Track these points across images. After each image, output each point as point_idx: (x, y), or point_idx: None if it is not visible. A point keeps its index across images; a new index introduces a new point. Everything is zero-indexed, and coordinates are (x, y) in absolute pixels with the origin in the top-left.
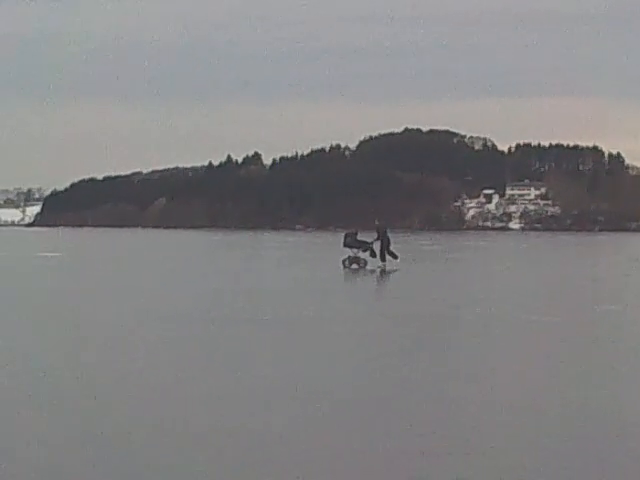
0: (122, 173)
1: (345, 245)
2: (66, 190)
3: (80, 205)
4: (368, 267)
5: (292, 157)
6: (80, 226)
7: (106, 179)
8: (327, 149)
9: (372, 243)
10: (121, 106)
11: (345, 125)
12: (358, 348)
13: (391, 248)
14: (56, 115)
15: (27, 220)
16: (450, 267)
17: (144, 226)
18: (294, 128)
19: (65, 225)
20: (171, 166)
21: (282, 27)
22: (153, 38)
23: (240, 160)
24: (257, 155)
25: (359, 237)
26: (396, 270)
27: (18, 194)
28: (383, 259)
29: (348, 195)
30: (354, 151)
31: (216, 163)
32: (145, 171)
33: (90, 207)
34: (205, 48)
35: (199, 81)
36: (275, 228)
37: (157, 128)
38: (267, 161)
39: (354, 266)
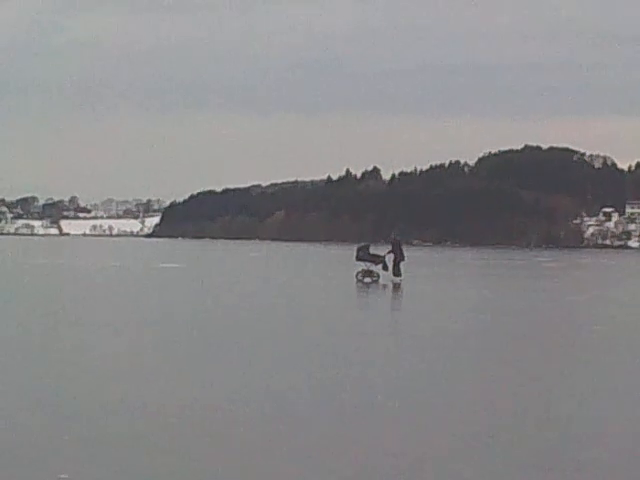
0: (241, 186)
1: (358, 259)
2: (185, 202)
3: (199, 217)
4: (381, 281)
5: (411, 172)
6: (198, 237)
7: (225, 191)
8: (446, 165)
9: (384, 256)
10: (241, 119)
11: (464, 141)
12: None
13: (402, 264)
14: (175, 128)
15: (146, 231)
16: (574, 283)
17: (262, 238)
18: (413, 143)
19: (183, 236)
20: (290, 179)
21: (408, 43)
22: (278, 51)
23: (359, 175)
24: (376, 170)
25: (372, 250)
26: (400, 285)
27: (137, 205)
28: (396, 273)
29: (466, 211)
30: (473, 167)
31: (335, 177)
32: (264, 184)
33: (208, 219)
34: (328, 62)
35: (320, 95)
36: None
37: (277, 141)
38: (386, 176)
39: (367, 279)
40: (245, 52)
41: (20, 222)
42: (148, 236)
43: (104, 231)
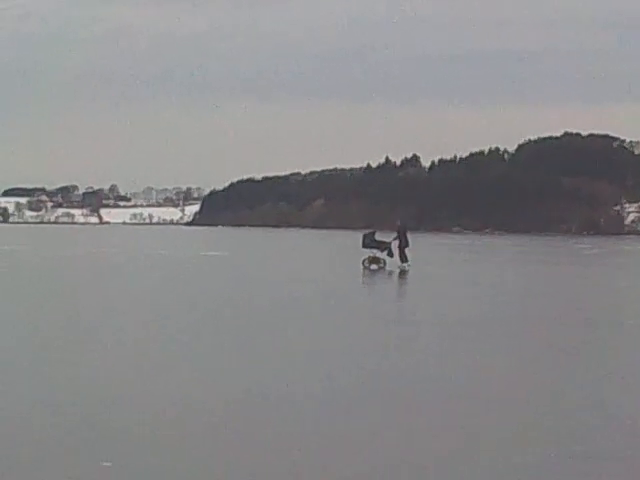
0: (280, 173)
1: (364, 246)
2: (225, 190)
3: (238, 205)
4: (387, 267)
5: (451, 160)
6: (238, 225)
7: (264, 179)
8: (486, 152)
9: (390, 243)
10: (281, 107)
11: (504, 128)
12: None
13: (407, 249)
14: (215, 115)
15: (186, 219)
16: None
17: (302, 226)
18: (453, 130)
19: (223, 224)
20: (329, 167)
21: (449, 28)
22: (316, 38)
23: (398, 162)
24: (416, 157)
25: (377, 237)
26: (408, 270)
27: (177, 193)
28: (403, 259)
29: (506, 198)
30: (513, 154)
31: (374, 165)
32: (303, 172)
33: (248, 207)
34: (369, 48)
35: (360, 82)
36: (432, 230)
37: (316, 128)
38: (426, 163)
39: (374, 266)
40: (282, 39)
41: (60, 211)
42: (188, 224)
43: (144, 219)
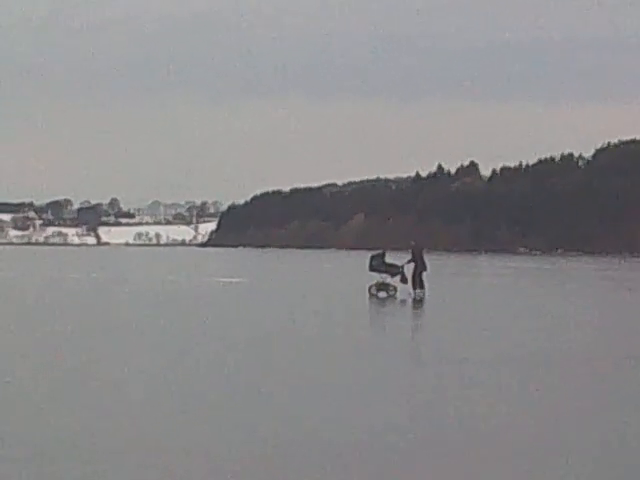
0: (313, 185)
1: (371, 269)
2: (246, 204)
3: (262, 222)
4: (399, 296)
5: (515, 168)
6: (263, 246)
7: (294, 191)
8: (557, 159)
9: (403, 266)
10: (311, 107)
11: (580, 131)
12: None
13: (424, 275)
14: (232, 118)
15: (200, 239)
16: None
17: (338, 247)
18: (518, 134)
19: (245, 245)
20: (371, 177)
21: (498, 16)
22: (354, 28)
23: (453, 171)
24: (473, 165)
25: (387, 259)
26: (424, 299)
27: (190, 209)
28: (416, 286)
29: (581, 213)
30: (589, 161)
31: (424, 174)
32: (340, 182)
33: (274, 224)
34: (414, 40)
35: (405, 79)
36: (493, 251)
37: (355, 132)
38: (485, 172)
39: (382, 294)
40: (316, 31)
41: (51, 230)
42: (203, 245)
43: (150, 239)
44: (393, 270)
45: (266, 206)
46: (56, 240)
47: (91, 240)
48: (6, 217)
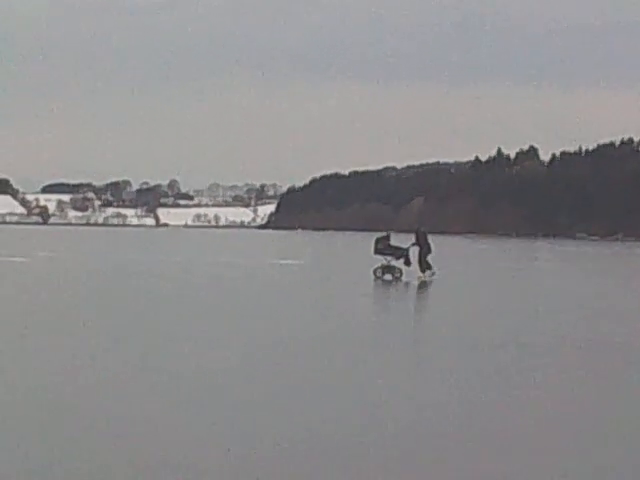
0: (372, 168)
1: (376, 252)
2: (305, 187)
3: (322, 204)
4: (404, 278)
5: (575, 153)
6: (321, 229)
7: (353, 174)
8: (617, 143)
9: (408, 249)
10: (371, 89)
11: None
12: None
13: (429, 257)
14: (292, 100)
15: (259, 221)
16: None
17: (397, 230)
18: (578, 117)
19: (304, 227)
20: (430, 161)
21: (572, 3)
22: (420, 11)
23: (512, 155)
24: (533, 149)
25: (392, 242)
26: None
27: (249, 191)
28: (423, 268)
29: None
30: None
31: (484, 158)
32: (399, 166)
33: (333, 207)
34: (472, 23)
35: (466, 62)
36: (551, 235)
37: (415, 116)
38: (545, 157)
39: (387, 277)
40: (375, 14)
41: (110, 211)
42: (262, 227)
43: (209, 221)
44: (398, 253)
45: (325, 189)
46: (115, 221)
47: (150, 221)
48: (65, 198)
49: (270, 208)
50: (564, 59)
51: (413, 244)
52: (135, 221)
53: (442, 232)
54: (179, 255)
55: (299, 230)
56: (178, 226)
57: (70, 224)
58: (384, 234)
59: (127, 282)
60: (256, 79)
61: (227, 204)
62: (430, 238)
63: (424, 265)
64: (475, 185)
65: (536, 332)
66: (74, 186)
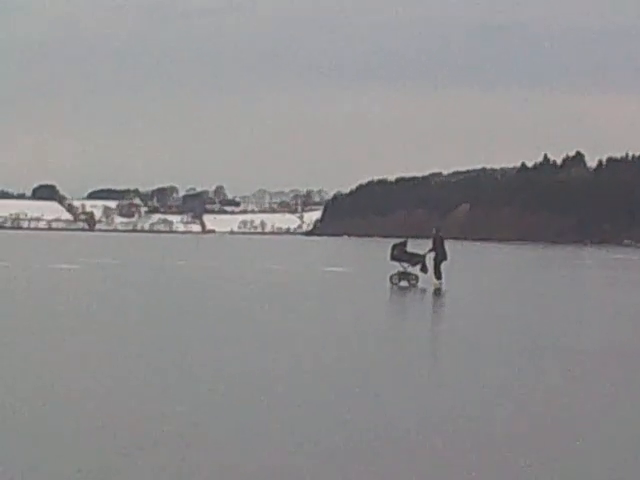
0: (418, 174)
1: (392, 258)
2: (351, 193)
3: (367, 211)
4: (420, 285)
5: (621, 158)
6: (367, 236)
7: (399, 181)
8: None
9: (424, 256)
10: (417, 94)
11: None
12: None
13: (443, 265)
14: (338, 106)
15: (305, 227)
16: None
17: (443, 237)
18: (624, 123)
19: (350, 234)
20: (477, 167)
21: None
22: (458, 15)
23: (559, 161)
24: (579, 155)
25: (410, 248)
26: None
27: (295, 197)
28: (438, 276)
29: None
30: None
31: (530, 164)
32: (445, 172)
33: (379, 213)
34: (516, 26)
35: (510, 67)
36: (597, 242)
37: (460, 122)
38: (591, 163)
39: (403, 283)
40: (426, 20)
41: (156, 217)
42: (307, 234)
43: (255, 228)
44: (414, 259)
45: (371, 195)
46: (161, 227)
47: (196, 228)
48: (112, 204)
49: (316, 214)
50: (610, 64)
51: (430, 250)
52: (181, 227)
53: (488, 239)
54: (231, 261)
55: (345, 237)
56: (224, 232)
57: (116, 230)
58: (401, 240)
59: (182, 289)
60: (303, 85)
61: (273, 210)
62: (447, 244)
63: (439, 272)
64: (521, 191)
65: (578, 339)
66: (120, 192)
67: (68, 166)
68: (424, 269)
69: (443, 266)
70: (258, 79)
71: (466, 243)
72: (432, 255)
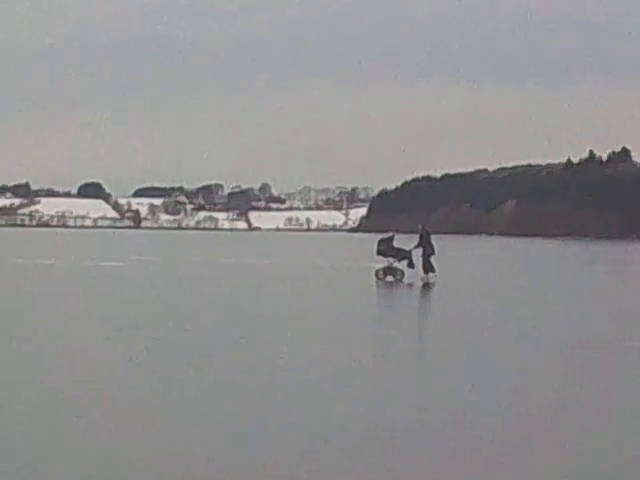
0: (464, 170)
1: (378, 253)
2: (397, 189)
3: (413, 207)
4: (405, 280)
5: None
6: (413, 232)
7: (444, 177)
8: None
9: (410, 251)
10: (461, 90)
11: None
12: None
13: (432, 258)
14: (385, 102)
15: (350, 224)
16: None
17: (489, 233)
18: None
19: (396, 231)
20: (522, 163)
21: None
22: (499, 10)
23: (605, 157)
24: (625, 151)
25: (396, 243)
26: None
27: (341, 194)
28: (426, 270)
29: None
30: None
31: (576, 160)
32: (491, 169)
33: (425, 210)
34: (565, 21)
35: (557, 63)
36: None
37: (507, 117)
38: (637, 158)
39: (389, 278)
40: (471, 16)
41: (202, 214)
42: (353, 230)
43: (301, 224)
44: (400, 254)
45: (416, 192)
46: (207, 225)
47: (242, 225)
48: (157, 201)
49: (362, 211)
50: None
51: (416, 246)
52: (227, 225)
53: (534, 235)
54: (278, 258)
55: (392, 233)
56: (270, 229)
57: (162, 228)
58: (388, 235)
59: (231, 289)
60: (348, 82)
61: (319, 207)
62: (433, 239)
63: (427, 266)
64: (567, 187)
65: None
66: (166, 190)
67: (114, 164)
68: (411, 265)
69: (433, 259)
70: (302, 77)
71: (512, 240)
72: (420, 251)
